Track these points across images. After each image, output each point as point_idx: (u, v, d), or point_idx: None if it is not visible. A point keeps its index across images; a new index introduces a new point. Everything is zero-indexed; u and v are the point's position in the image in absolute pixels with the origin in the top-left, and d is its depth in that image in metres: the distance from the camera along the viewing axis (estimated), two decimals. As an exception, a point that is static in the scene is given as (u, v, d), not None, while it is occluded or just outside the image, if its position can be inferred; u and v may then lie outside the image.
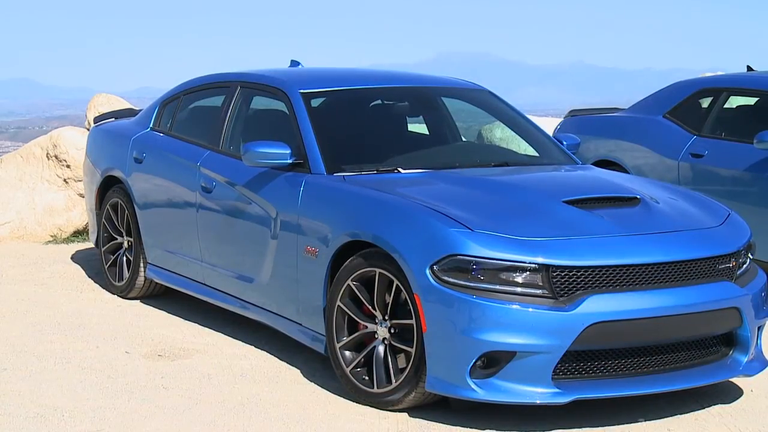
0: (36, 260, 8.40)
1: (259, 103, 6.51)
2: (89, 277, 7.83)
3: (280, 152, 5.61)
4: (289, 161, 5.63)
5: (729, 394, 5.24)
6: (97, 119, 8.04)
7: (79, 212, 9.35)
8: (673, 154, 7.97)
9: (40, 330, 6.35)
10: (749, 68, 8.79)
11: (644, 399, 4.92)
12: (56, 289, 7.45)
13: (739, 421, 4.88)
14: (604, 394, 4.68)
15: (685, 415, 4.94)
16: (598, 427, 4.75)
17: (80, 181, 9.08)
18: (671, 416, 4.90)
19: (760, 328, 5.13)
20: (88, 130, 8.90)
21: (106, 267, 7.31)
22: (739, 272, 5.04)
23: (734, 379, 5.28)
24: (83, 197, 8.71)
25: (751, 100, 8.05)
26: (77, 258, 8.51)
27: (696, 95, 8.25)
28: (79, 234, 9.33)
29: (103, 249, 7.35)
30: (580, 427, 4.74)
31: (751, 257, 5.22)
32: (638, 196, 5.20)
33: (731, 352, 5.04)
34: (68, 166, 9.40)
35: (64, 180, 9.45)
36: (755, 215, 6.91)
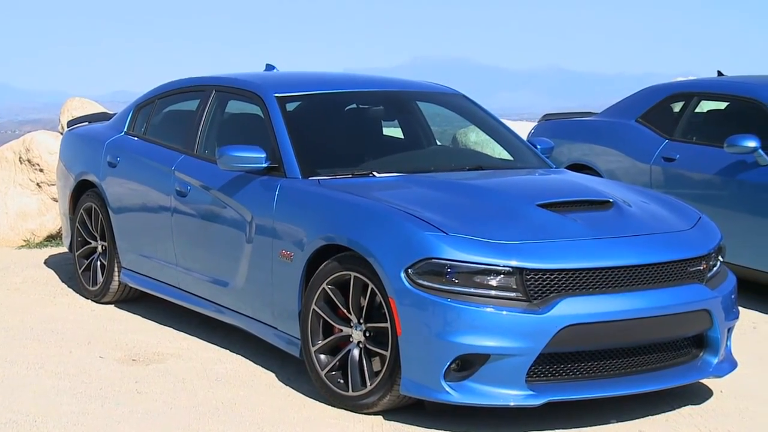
0: (8, 265, 8.35)
1: (234, 107, 6.51)
2: (63, 281, 7.79)
3: (255, 156, 5.62)
4: (264, 165, 5.63)
5: (699, 395, 5.29)
6: (70, 123, 8.00)
7: (53, 217, 9.30)
8: (645, 157, 8.02)
9: (12, 335, 6.32)
10: (719, 73, 8.87)
11: (616, 400, 4.95)
12: (29, 294, 7.41)
13: (710, 422, 4.92)
14: (578, 396, 4.71)
15: (657, 416, 4.98)
16: (570, 428, 4.78)
17: (53, 185, 9.03)
18: (643, 417, 4.94)
19: (729, 330, 5.19)
20: (62, 134, 8.86)
21: (80, 272, 7.28)
22: (709, 275, 5.09)
23: (704, 381, 5.32)
24: (57, 201, 8.67)
25: (722, 105, 8.10)
26: (50, 263, 8.46)
27: (668, 100, 8.30)
28: (53, 238, 9.28)
29: (76, 253, 7.31)
30: (553, 429, 4.77)
31: (721, 260, 5.27)
32: (611, 200, 5.24)
33: (702, 353, 5.09)
34: (41, 170, 9.35)
35: (37, 184, 9.39)
36: (726, 218, 6.96)
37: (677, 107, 8.19)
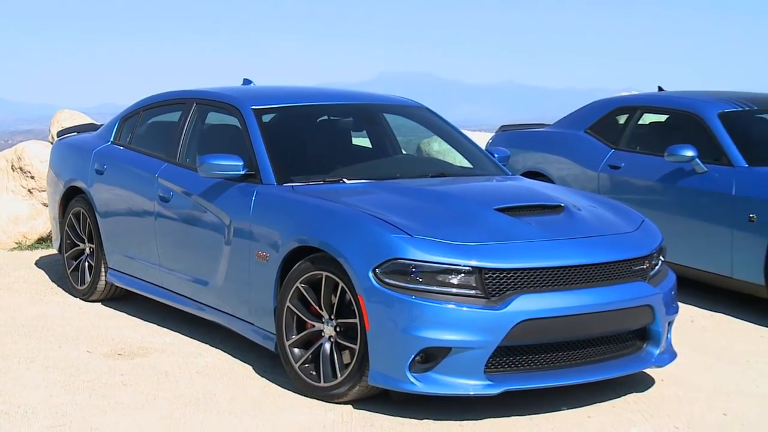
0: (1, 266, 8.27)
1: (214, 118, 6.50)
2: (52, 281, 7.73)
3: (233, 164, 5.60)
4: (242, 172, 5.62)
5: (643, 383, 5.33)
6: (60, 133, 7.95)
7: (43, 221, 9.23)
8: (593, 165, 8.07)
9: (4, 332, 6.25)
10: (660, 88, 8.94)
11: (567, 389, 4.97)
12: (21, 293, 7.34)
13: (652, 408, 4.97)
14: (532, 386, 4.73)
15: (604, 403, 5.01)
16: (525, 415, 4.80)
17: (44, 191, 8.96)
18: (591, 404, 4.97)
19: (670, 324, 5.23)
20: (52, 143, 8.80)
21: (68, 272, 7.23)
22: (651, 273, 5.13)
23: (647, 370, 5.36)
24: (47, 206, 8.60)
25: (662, 117, 8.17)
26: (41, 264, 8.40)
27: (614, 112, 8.36)
28: (43, 241, 9.21)
29: (66, 255, 7.27)
30: (509, 416, 4.79)
31: (662, 259, 5.31)
32: (562, 204, 5.27)
33: (645, 345, 5.12)
34: (32, 177, 9.28)
35: (29, 190, 9.33)
36: (666, 221, 7.02)
37: (622, 119, 8.25)
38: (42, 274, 7.98)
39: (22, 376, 5.37)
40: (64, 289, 7.40)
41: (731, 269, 6.95)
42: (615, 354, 5.00)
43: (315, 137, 6.31)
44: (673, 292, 5.24)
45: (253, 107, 6.03)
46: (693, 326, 6.63)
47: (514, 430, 4.63)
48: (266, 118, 6.04)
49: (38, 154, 9.30)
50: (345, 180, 5.66)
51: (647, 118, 8.24)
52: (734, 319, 6.86)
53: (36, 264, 8.39)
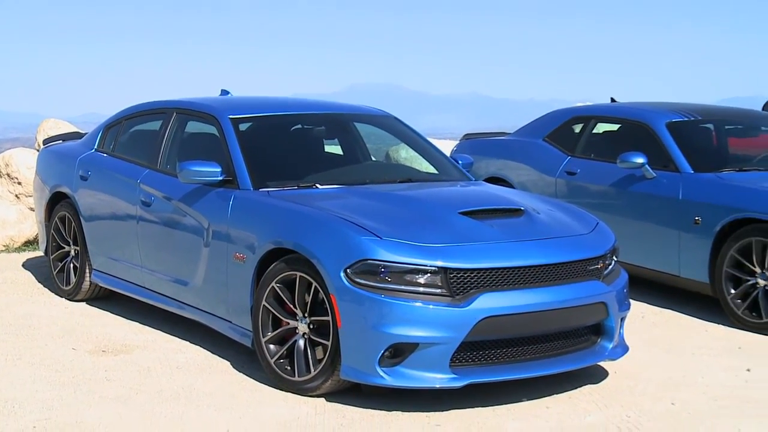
0: (-10, 267, 8.19)
1: (193, 127, 6.45)
2: (39, 282, 7.64)
3: (211, 170, 5.57)
4: (220, 178, 5.59)
5: (597, 375, 5.35)
6: (46, 141, 7.87)
7: (30, 224, 9.13)
8: (551, 171, 8.10)
9: (-6, 330, 6.19)
10: (612, 100, 8.99)
11: (526, 381, 4.98)
12: (8, 294, 7.25)
13: (605, 399, 4.99)
14: (494, 379, 4.74)
15: (561, 394, 5.02)
16: (488, 407, 4.81)
17: (31, 196, 8.86)
18: (549, 396, 4.99)
19: (622, 319, 5.25)
20: (38, 151, 8.70)
21: (54, 273, 7.15)
22: (605, 272, 5.15)
23: (601, 363, 5.38)
24: (34, 211, 8.51)
25: (615, 127, 8.21)
26: (28, 265, 8.31)
27: (570, 122, 8.40)
28: (30, 244, 9.10)
29: (52, 257, 7.19)
30: (473, 407, 4.79)
31: (615, 259, 5.33)
32: (522, 208, 5.28)
33: (599, 340, 5.14)
34: (20, 183, 9.19)
35: (16, 195, 9.22)
36: (619, 224, 7.06)
37: (578, 128, 8.29)
38: (29, 276, 7.89)
39: (9, 372, 5.30)
40: (50, 290, 7.32)
41: (678, 268, 7.00)
42: (571, 348, 5.02)
43: (289, 145, 6.29)
44: (625, 290, 5.26)
45: (230, 116, 6.00)
46: (644, 322, 6.68)
47: (477, 421, 4.63)
48: (243, 126, 6.01)
49: (25, 161, 9.22)
50: (318, 185, 5.64)
51: (601, 128, 8.29)
52: (682, 315, 6.91)
53: (23, 266, 8.30)
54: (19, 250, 9.00)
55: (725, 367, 5.63)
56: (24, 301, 7.03)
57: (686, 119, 7.58)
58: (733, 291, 6.61)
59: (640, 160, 7.16)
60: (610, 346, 5.14)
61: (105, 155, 6.87)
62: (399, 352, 4.63)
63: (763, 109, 15.83)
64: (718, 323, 6.65)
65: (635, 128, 7.67)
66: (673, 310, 7.04)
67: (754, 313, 6.50)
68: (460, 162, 6.50)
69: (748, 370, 5.59)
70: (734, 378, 5.42)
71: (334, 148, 6.75)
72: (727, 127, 7.86)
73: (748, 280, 6.53)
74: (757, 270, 6.48)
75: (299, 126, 6.49)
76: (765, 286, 6.44)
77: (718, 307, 6.83)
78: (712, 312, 6.88)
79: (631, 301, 5.58)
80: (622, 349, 5.26)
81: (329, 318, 4.77)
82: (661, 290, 7.48)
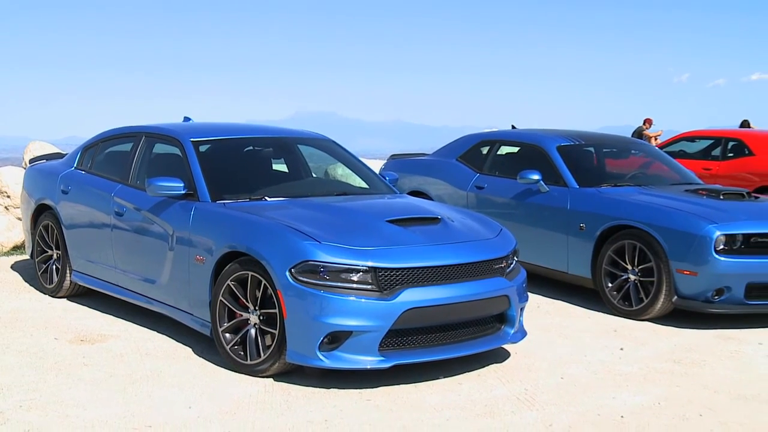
0: (-18, 269, 7.91)
1: (160, 148, 6.33)
2: (25, 281, 7.41)
3: (175, 185, 5.48)
4: (183, 192, 5.49)
5: (501, 356, 5.39)
6: (32, 160, 7.66)
7: (17, 232, 8.87)
8: (463, 186, 8.16)
9: (-15, 323, 5.98)
10: (513, 126, 9.12)
11: (443, 362, 4.99)
12: (-1, 291, 7.04)
13: (508, 375, 5.02)
14: (416, 360, 4.73)
15: (472, 372, 5.05)
16: (411, 383, 4.80)
17: (18, 208, 8.62)
18: (462, 374, 5.00)
19: (522, 309, 5.29)
20: (25, 168, 8.46)
21: (39, 274, 6.95)
22: (508, 270, 5.18)
23: (505, 346, 5.42)
24: (20, 220, 8.27)
25: (515, 149, 8.32)
26: (16, 267, 8.05)
27: (478, 145, 8.47)
28: (18, 249, 8.85)
29: (36, 260, 6.98)
30: (398, 384, 4.79)
31: (516, 259, 5.38)
32: (439, 217, 5.29)
33: (503, 326, 5.17)
34: (8, 197, 8.92)
35: (5, 207, 8.95)
36: (519, 230, 7.14)
37: (485, 150, 8.36)
38: (16, 276, 7.65)
39: (-1, 360, 5.13)
40: (35, 288, 7.11)
41: (567, 266, 7.10)
42: (480, 334, 5.04)
43: (242, 163, 6.21)
44: (524, 285, 5.31)
45: (192, 139, 5.91)
46: (539, 311, 6.75)
47: (402, 395, 4.62)
48: (203, 148, 5.92)
49: (14, 178, 8.97)
50: (266, 198, 5.58)
51: (504, 150, 8.38)
52: (569, 304, 7.01)
53: (11, 267, 8.04)
54: (8, 254, 8.73)
55: (603, 346, 5.72)
56: (12, 298, 6.80)
57: (573, 143, 7.71)
58: (610, 284, 6.73)
59: (536, 176, 7.25)
60: (512, 331, 5.18)
61: (83, 172, 6.70)
62: (336, 339, 4.59)
63: (632, 136, 16.23)
64: (599, 311, 6.76)
65: (532, 150, 7.77)
66: (562, 300, 7.13)
67: (626, 303, 6.63)
68: (387, 178, 6.50)
69: (622, 349, 5.69)
70: (610, 355, 5.51)
71: (280, 167, 6.69)
72: (605, 150, 8.02)
73: (622, 276, 6.66)
74: (629, 267, 6.61)
75: (251, 147, 6.42)
76: (635, 280, 6.57)
77: (598, 298, 6.95)
78: (593, 302, 7.00)
79: (529, 293, 5.64)
80: (522, 333, 5.30)
81: (276, 310, 4.71)
82: (553, 284, 7.58)
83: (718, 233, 6.14)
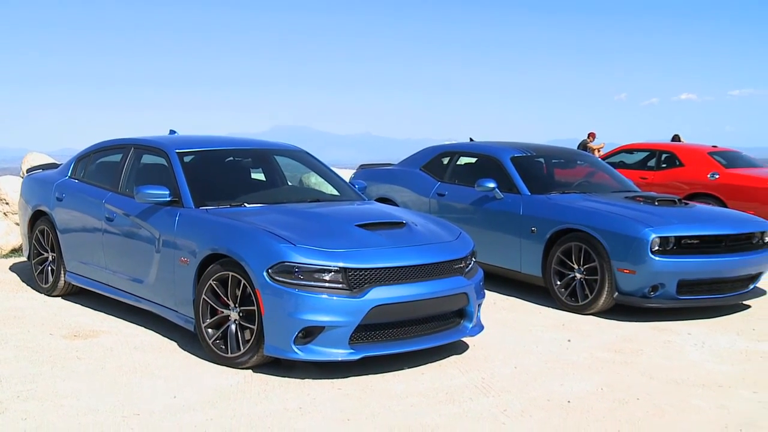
0: (-19, 270, 7.75)
1: (147, 159, 6.26)
2: (23, 281, 7.28)
3: (161, 193, 5.41)
4: (168, 199, 5.43)
5: (460, 348, 5.39)
6: (29, 170, 7.53)
7: (15, 236, 8.71)
8: (425, 193, 8.17)
9: (-16, 321, 5.85)
10: (471, 139, 9.14)
11: (407, 354, 5.00)
12: (-3, 291, 6.90)
13: (466, 365, 5.03)
14: (383, 352, 4.71)
15: (433, 363, 5.04)
16: (378, 374, 4.79)
17: (16, 213, 8.46)
18: (423, 365, 5.00)
19: (479, 305, 5.30)
20: (23, 178, 8.32)
21: (35, 274, 6.83)
22: (467, 270, 5.18)
23: (464, 339, 5.43)
24: (18, 225, 8.12)
25: (473, 160, 8.35)
26: (14, 268, 7.91)
27: (440, 156, 8.49)
28: (15, 251, 8.69)
29: (33, 262, 6.86)
30: (367, 374, 4.77)
31: (474, 260, 5.39)
32: (404, 221, 5.28)
33: (462, 321, 5.17)
34: (7, 203, 8.76)
35: (4, 213, 8.78)
36: (476, 233, 7.16)
37: (446, 160, 8.38)
38: (15, 276, 7.51)
39: (-4, 355, 5.02)
40: (32, 288, 6.98)
41: (520, 266, 7.14)
42: (441, 328, 5.04)
43: (223, 173, 6.16)
44: (481, 283, 5.32)
45: (177, 151, 5.85)
46: (495, 306, 6.78)
47: (371, 384, 4.61)
48: (187, 158, 5.86)
49: (12, 186, 8.83)
50: (246, 204, 5.53)
51: (463, 160, 8.41)
52: (522, 301, 7.05)
53: (10, 269, 7.90)
54: (6, 256, 8.57)
55: (553, 339, 5.76)
56: (11, 297, 6.68)
57: (525, 155, 7.76)
58: (558, 282, 6.78)
59: (492, 185, 7.28)
60: (470, 325, 5.19)
61: (77, 181, 6.60)
62: (309, 333, 4.56)
63: (577, 148, 16.38)
64: (549, 306, 6.81)
65: (488, 161, 7.80)
66: (516, 297, 7.17)
67: (573, 299, 6.68)
68: (356, 186, 6.49)
69: (569, 340, 5.73)
70: (559, 347, 5.55)
71: (258, 176, 6.65)
72: (554, 160, 8.08)
73: (569, 274, 6.71)
74: (576, 267, 6.67)
75: (231, 158, 6.36)
76: (581, 278, 6.63)
77: (548, 295, 7.00)
78: (544, 298, 7.04)
79: (486, 291, 5.65)
80: (479, 327, 5.31)
81: (255, 308, 4.67)
82: (507, 283, 7.61)
83: (653, 236, 6.22)
